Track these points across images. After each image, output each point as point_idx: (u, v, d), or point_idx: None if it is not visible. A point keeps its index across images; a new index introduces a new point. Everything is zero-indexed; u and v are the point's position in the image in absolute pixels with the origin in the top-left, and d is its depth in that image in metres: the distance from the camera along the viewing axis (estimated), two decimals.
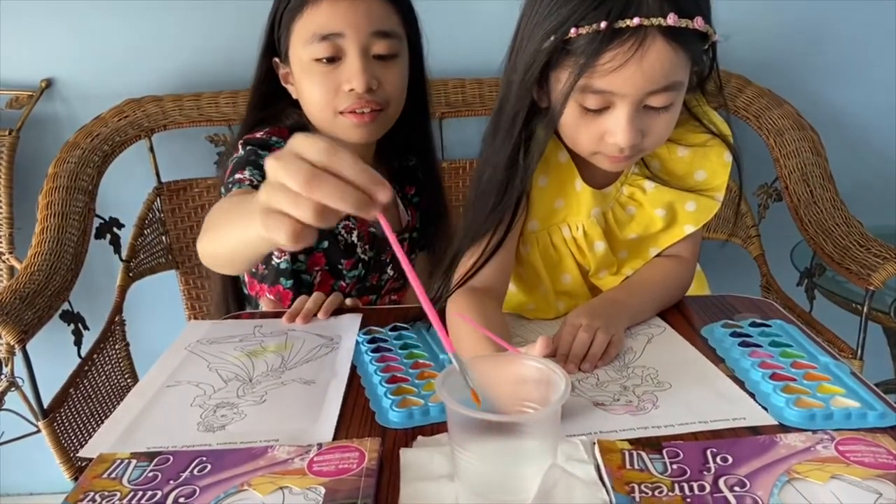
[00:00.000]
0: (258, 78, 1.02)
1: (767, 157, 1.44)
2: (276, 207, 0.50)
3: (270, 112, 1.02)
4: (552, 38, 0.74)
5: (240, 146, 0.97)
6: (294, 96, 0.99)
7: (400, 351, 0.82)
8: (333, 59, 0.92)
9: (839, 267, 1.22)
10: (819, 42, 1.52)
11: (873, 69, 1.54)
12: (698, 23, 0.71)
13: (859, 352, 1.20)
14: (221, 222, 0.72)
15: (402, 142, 1.08)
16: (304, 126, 1.00)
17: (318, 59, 0.92)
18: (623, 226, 0.93)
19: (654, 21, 0.70)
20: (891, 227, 1.49)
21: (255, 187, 0.85)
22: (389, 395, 0.71)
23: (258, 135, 0.98)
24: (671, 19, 0.70)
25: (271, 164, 0.50)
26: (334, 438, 0.65)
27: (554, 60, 0.76)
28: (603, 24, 0.70)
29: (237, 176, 0.90)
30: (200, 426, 0.68)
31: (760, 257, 1.49)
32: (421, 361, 0.79)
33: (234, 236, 0.67)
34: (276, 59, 0.99)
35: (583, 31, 0.71)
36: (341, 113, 0.94)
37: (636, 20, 0.69)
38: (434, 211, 1.13)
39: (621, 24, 0.70)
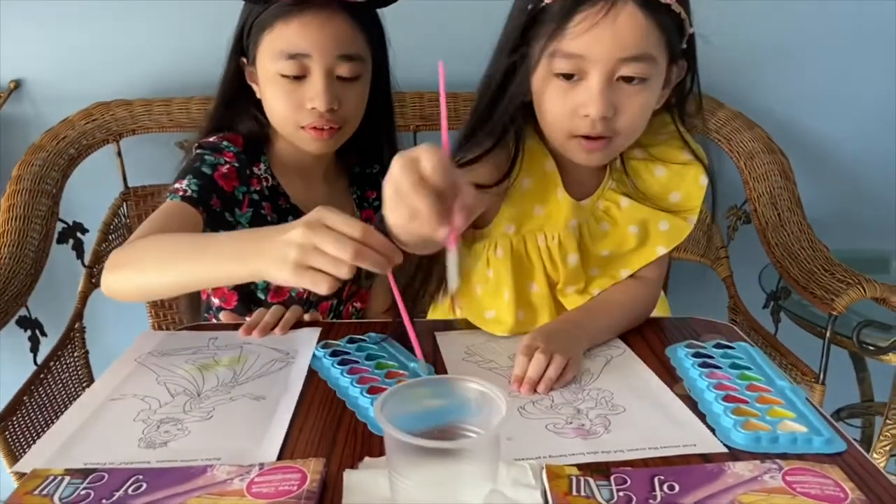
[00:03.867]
0: (226, 76, 1.05)
1: (738, 180, 1.44)
2: (312, 265, 0.63)
3: (234, 110, 1.05)
4: (529, 8, 0.79)
5: (194, 148, 1.01)
6: (258, 96, 1.02)
7: (367, 362, 0.81)
8: (299, 77, 0.95)
9: (804, 291, 1.22)
10: (791, 66, 1.54)
11: (844, 95, 1.56)
12: None
13: (822, 376, 1.20)
14: (174, 260, 0.79)
15: (365, 150, 1.11)
16: (259, 134, 1.04)
17: (284, 76, 0.95)
18: (596, 240, 0.93)
19: None
20: (857, 252, 1.50)
21: (187, 199, 0.93)
22: None
23: (212, 139, 1.02)
24: None
25: (302, 231, 0.63)
26: (279, 457, 0.64)
27: (532, 33, 0.80)
28: None
29: (176, 185, 0.95)
30: (142, 442, 0.66)
31: (728, 279, 1.49)
32: (393, 371, 0.79)
33: (196, 272, 0.77)
34: (244, 59, 1.01)
35: None
36: (302, 127, 0.97)
37: None
38: None
39: None
